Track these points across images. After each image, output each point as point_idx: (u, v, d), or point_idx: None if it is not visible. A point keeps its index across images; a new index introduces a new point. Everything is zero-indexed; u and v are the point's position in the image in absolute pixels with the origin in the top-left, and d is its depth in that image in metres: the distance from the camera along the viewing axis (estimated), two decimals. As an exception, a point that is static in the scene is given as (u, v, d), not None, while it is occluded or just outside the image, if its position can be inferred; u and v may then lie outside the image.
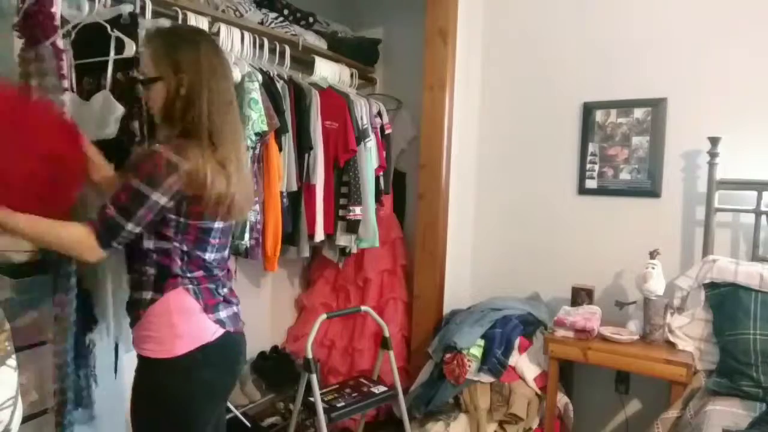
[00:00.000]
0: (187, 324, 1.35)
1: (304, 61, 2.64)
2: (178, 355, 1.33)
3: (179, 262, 1.35)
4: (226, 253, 1.48)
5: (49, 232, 1.26)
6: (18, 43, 1.58)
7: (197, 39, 1.38)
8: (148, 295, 1.36)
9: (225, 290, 1.46)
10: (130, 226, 1.27)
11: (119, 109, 1.68)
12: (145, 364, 1.38)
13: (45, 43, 1.52)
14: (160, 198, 1.26)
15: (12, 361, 1.14)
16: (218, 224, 1.38)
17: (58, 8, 1.58)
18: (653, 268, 2.15)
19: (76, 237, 1.26)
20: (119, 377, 1.94)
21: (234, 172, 1.34)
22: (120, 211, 1.26)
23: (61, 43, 1.57)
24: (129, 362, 1.81)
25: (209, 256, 1.39)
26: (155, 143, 1.30)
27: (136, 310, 1.38)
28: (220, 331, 1.40)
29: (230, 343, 1.43)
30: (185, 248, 1.35)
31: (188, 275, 1.37)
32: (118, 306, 1.76)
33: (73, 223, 1.29)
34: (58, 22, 1.56)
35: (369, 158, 2.66)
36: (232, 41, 2.17)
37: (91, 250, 1.27)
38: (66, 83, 1.58)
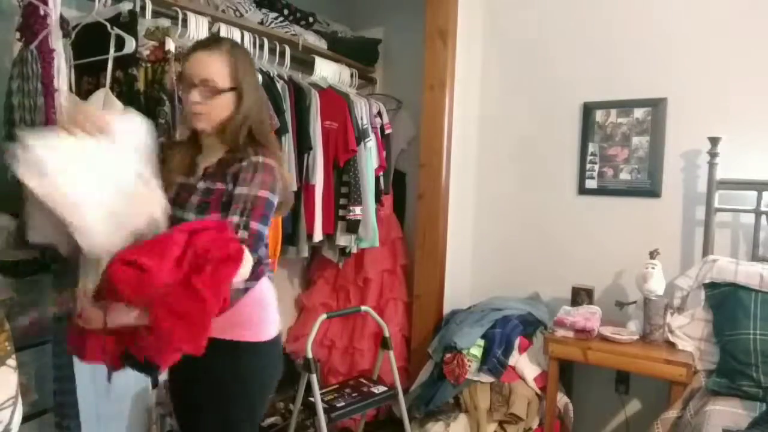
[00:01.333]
0: (273, 309, 1.47)
1: (304, 61, 2.64)
2: (269, 339, 1.43)
3: (265, 250, 1.44)
4: None
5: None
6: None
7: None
8: (241, 284, 1.36)
9: None
10: (267, 230, 1.35)
11: (119, 107, 1.69)
12: (234, 348, 1.38)
13: (30, 46, 1.53)
14: (276, 200, 1.36)
15: (12, 361, 1.14)
16: None
17: (57, 8, 1.58)
18: (653, 268, 2.15)
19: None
20: (115, 380, 1.93)
21: (289, 176, 1.49)
22: (262, 221, 1.32)
23: (53, 44, 1.56)
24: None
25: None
26: (254, 154, 1.36)
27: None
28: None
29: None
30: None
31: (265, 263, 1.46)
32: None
33: None
34: (51, 22, 1.56)
35: (369, 158, 2.66)
36: (232, 41, 2.16)
37: (248, 263, 1.30)
38: (57, 84, 1.58)
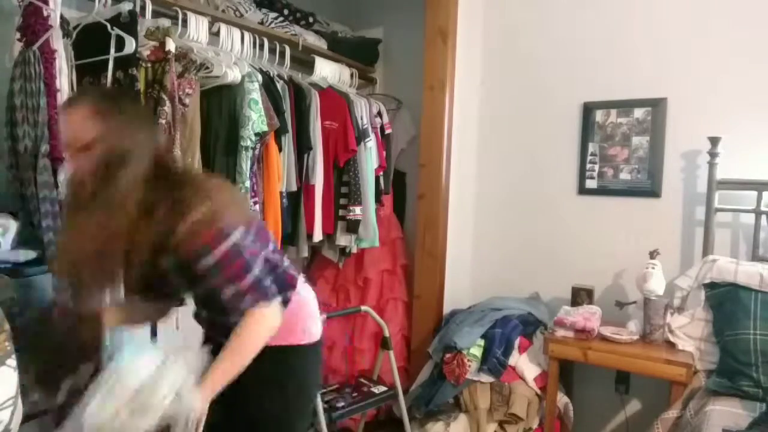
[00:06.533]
0: (315, 314, 1.49)
1: (304, 61, 2.64)
2: (312, 342, 1.45)
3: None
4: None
5: (248, 349, 1.25)
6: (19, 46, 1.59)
7: None
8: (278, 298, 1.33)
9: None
10: (255, 261, 1.26)
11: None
12: (280, 352, 1.37)
13: (32, 47, 1.53)
14: (237, 232, 1.23)
15: (12, 361, 1.14)
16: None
17: (58, 9, 1.58)
18: (653, 268, 2.15)
19: (263, 327, 1.26)
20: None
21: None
22: (245, 269, 1.23)
23: (54, 44, 1.57)
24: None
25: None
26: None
27: None
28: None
29: None
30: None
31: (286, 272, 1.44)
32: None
33: (245, 323, 1.25)
34: (52, 23, 1.56)
35: (369, 158, 2.66)
36: (232, 41, 2.17)
37: (273, 317, 1.27)
38: (59, 84, 1.58)
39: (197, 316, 1.47)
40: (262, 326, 1.26)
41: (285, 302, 1.36)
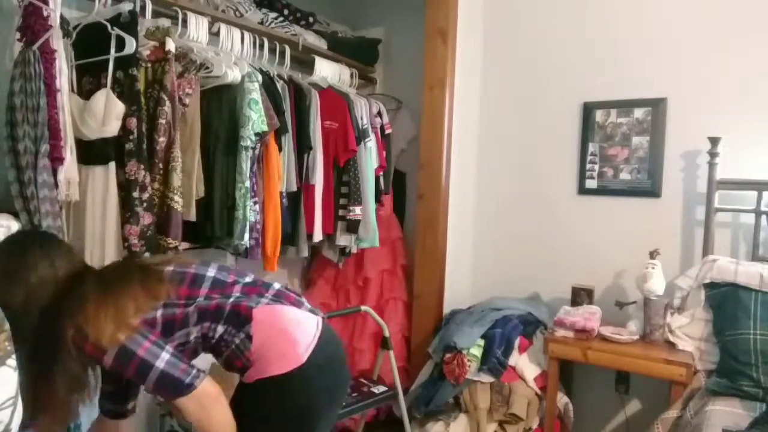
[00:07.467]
0: (293, 336, 1.33)
1: (304, 61, 2.64)
2: (296, 367, 1.31)
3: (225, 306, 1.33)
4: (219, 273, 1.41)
5: None
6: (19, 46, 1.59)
7: None
8: (238, 338, 1.31)
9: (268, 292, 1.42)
10: (161, 364, 1.20)
11: (120, 107, 1.69)
12: (270, 384, 1.31)
13: (33, 47, 1.53)
14: (121, 338, 1.20)
15: (12, 361, 1.13)
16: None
17: (58, 9, 1.58)
18: (653, 268, 2.15)
19: (198, 412, 1.24)
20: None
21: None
22: (141, 369, 1.20)
23: (54, 44, 1.57)
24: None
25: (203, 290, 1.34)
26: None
27: (237, 360, 1.33)
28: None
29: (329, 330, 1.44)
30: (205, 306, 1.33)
31: (241, 298, 1.35)
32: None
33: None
34: (52, 23, 1.56)
35: (369, 158, 2.66)
36: (232, 41, 2.17)
37: (199, 402, 1.24)
38: (59, 84, 1.58)
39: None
40: (197, 412, 1.24)
41: (249, 338, 1.30)
